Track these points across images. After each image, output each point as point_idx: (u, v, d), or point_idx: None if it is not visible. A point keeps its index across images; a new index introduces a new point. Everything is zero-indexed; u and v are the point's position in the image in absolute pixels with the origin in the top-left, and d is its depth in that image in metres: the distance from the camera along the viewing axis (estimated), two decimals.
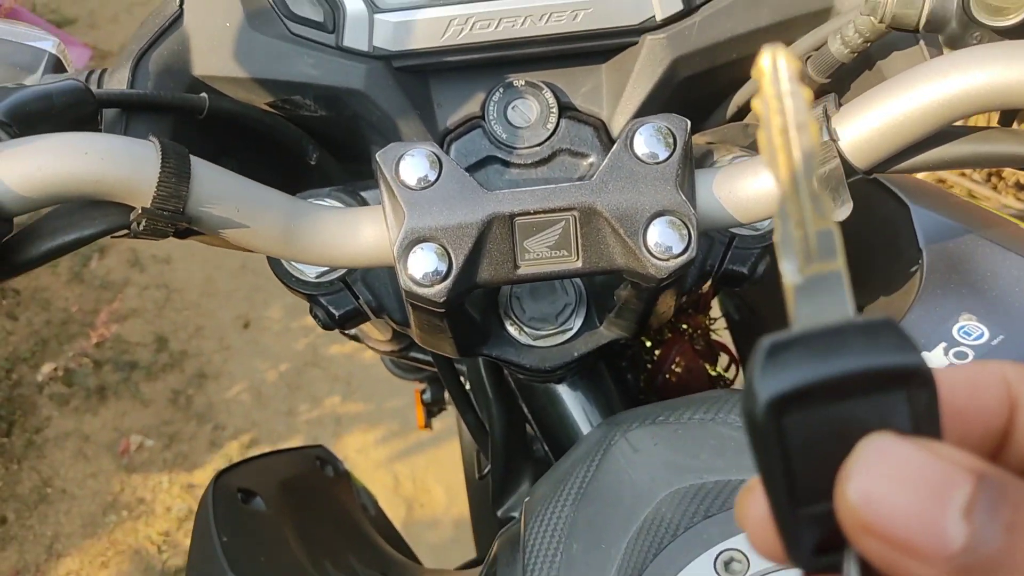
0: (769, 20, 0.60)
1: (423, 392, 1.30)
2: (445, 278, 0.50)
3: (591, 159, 0.62)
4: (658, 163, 0.50)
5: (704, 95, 0.65)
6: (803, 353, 0.21)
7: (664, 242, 0.50)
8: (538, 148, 0.62)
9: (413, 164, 0.51)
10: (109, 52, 3.12)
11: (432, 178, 0.51)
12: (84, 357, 2.23)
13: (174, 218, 0.47)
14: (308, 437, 2.07)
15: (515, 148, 0.62)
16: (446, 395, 1.26)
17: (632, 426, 0.54)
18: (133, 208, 0.47)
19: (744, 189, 0.52)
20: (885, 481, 0.20)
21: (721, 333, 0.97)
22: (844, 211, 0.49)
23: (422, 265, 0.50)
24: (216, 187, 0.49)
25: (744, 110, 0.66)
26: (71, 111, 0.50)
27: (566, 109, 0.63)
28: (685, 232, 0.50)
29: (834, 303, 0.22)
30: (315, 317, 0.63)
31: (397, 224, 0.51)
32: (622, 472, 0.51)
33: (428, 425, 1.33)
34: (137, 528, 1.96)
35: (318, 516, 0.90)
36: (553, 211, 0.50)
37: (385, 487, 1.99)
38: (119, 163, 0.46)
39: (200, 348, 2.26)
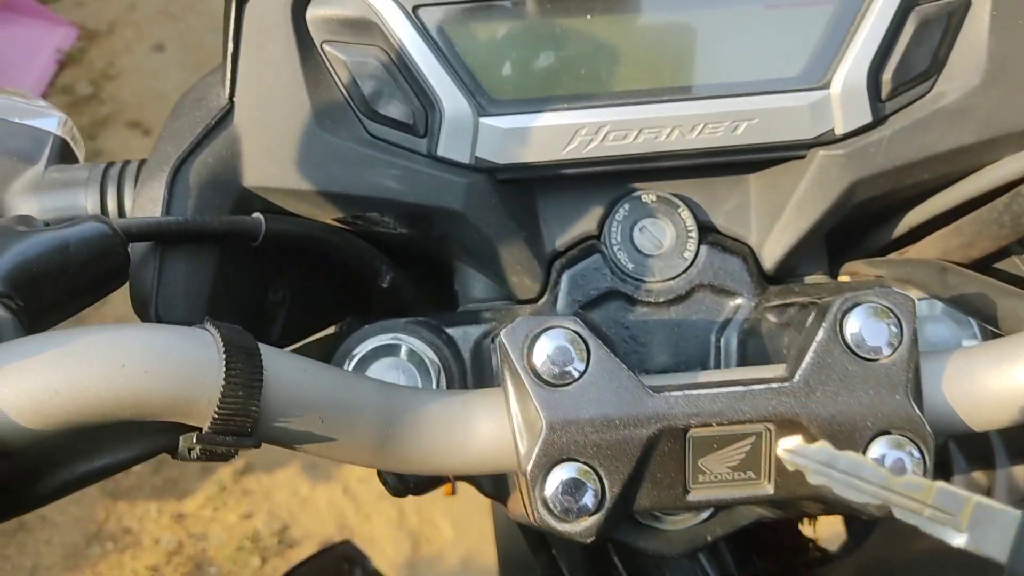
0: (975, 137, 0.47)
1: None
2: (596, 511, 0.37)
3: (739, 300, 0.49)
4: (881, 360, 0.38)
5: (869, 215, 0.53)
6: None
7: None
8: (672, 283, 0.50)
9: (551, 350, 0.38)
10: (97, 32, 2.94)
11: (578, 371, 0.38)
12: None
13: (239, 442, 0.34)
14: (307, 464, 1.94)
15: (644, 281, 0.50)
16: None
17: None
18: (182, 425, 0.34)
19: (984, 386, 0.39)
20: None
21: None
22: None
23: (565, 494, 0.37)
24: (294, 393, 0.36)
25: (920, 232, 0.53)
26: (93, 265, 0.38)
27: (706, 231, 0.50)
28: (917, 453, 0.37)
29: (1000, 523, 0.27)
30: (384, 483, 0.51)
31: (530, 433, 0.38)
32: None
33: (454, 491, 1.21)
34: (123, 561, 1.83)
35: None
36: (741, 422, 0.38)
37: (390, 520, 1.87)
38: (168, 377, 0.33)
39: None
